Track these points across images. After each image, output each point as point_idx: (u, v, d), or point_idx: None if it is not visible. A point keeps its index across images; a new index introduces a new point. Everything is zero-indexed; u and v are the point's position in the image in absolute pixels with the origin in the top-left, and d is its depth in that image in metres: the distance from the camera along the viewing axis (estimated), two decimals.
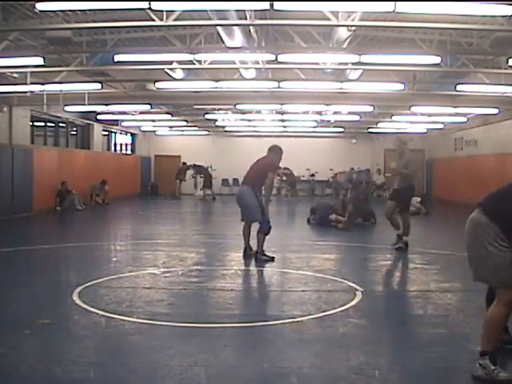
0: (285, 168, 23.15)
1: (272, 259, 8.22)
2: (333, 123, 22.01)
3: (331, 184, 25.84)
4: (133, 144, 26.13)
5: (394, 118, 19.13)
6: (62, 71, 12.58)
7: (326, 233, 12.13)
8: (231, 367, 3.97)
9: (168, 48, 12.22)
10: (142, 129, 25.36)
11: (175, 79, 13.58)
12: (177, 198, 23.19)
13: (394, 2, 6.89)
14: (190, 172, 24.47)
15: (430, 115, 18.30)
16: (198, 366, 3.92)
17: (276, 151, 8.61)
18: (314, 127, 23.11)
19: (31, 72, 11.96)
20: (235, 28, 9.03)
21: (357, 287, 6.39)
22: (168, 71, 13.12)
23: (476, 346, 3.76)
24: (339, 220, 12.65)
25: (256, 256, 8.26)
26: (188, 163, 24.35)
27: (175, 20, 8.12)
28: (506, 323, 3.79)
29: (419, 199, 17.34)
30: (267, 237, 8.36)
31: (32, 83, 12.46)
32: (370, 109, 16.33)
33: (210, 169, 26.34)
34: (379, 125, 21.42)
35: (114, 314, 5.19)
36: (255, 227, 8.40)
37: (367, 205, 14.07)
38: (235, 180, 26.86)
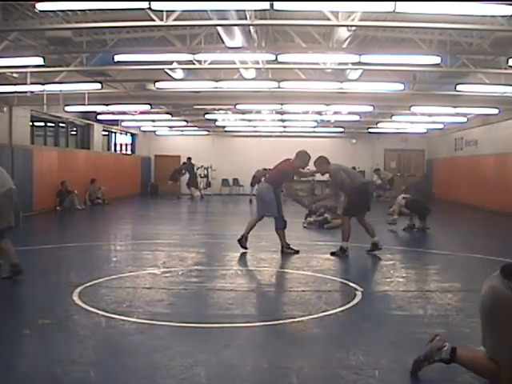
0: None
1: (297, 252, 8.77)
2: (333, 123, 21.98)
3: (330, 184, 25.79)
4: (133, 144, 26.09)
5: (394, 118, 19.12)
6: (61, 71, 12.57)
7: (325, 233, 12.13)
8: (231, 367, 3.97)
9: (168, 48, 12.21)
10: (142, 129, 25.32)
11: (175, 79, 13.57)
12: (174, 198, 23.07)
13: (393, 2, 6.89)
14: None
15: (430, 115, 18.28)
16: (198, 366, 3.92)
17: (301, 158, 8.97)
18: (314, 127, 23.08)
19: (31, 72, 11.95)
20: (235, 28, 9.03)
21: (357, 287, 6.39)
22: (168, 71, 13.11)
23: (476, 346, 3.75)
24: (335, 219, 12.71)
25: (282, 249, 8.85)
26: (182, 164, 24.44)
27: (175, 20, 8.13)
28: None
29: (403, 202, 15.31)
30: (272, 236, 8.47)
31: (32, 83, 12.44)
32: (370, 109, 16.31)
33: (210, 169, 26.37)
34: (379, 125, 21.40)
35: (114, 314, 5.19)
36: (257, 226, 8.47)
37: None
38: (235, 180, 26.86)
